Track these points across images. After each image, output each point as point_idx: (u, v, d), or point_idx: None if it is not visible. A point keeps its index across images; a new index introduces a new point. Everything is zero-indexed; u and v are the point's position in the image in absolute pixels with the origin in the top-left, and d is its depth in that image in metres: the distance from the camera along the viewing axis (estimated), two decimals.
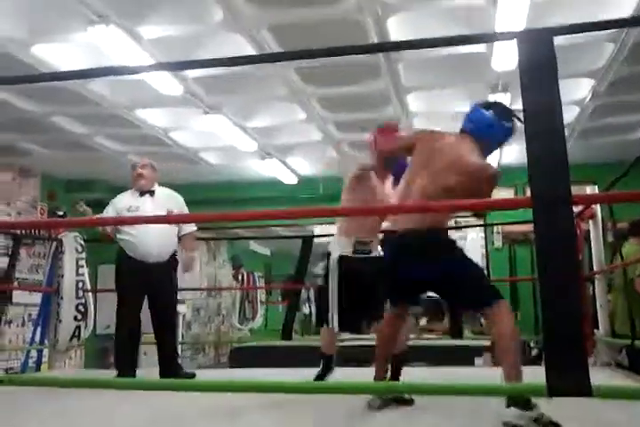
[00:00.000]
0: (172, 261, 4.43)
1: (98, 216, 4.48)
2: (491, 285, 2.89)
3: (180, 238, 4.50)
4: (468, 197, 2.71)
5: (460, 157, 2.92)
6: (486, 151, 3.11)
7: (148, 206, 4.33)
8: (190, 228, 4.54)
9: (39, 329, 5.70)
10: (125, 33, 4.55)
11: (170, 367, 4.32)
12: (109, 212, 4.40)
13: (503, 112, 3.03)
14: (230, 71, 5.16)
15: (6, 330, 7.13)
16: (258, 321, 11.64)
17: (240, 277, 11.76)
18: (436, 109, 6.53)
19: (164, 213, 4.23)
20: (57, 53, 4.95)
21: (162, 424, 2.92)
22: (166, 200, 4.42)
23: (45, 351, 6.18)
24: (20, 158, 7.69)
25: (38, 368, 6.36)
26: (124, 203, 4.40)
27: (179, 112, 6.47)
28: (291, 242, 7.66)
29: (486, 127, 3.04)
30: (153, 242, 4.27)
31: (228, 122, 6.58)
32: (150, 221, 4.10)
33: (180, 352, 9.09)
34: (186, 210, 4.52)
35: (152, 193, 4.43)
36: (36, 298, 6.13)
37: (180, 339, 9.30)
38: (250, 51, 4.80)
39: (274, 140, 7.40)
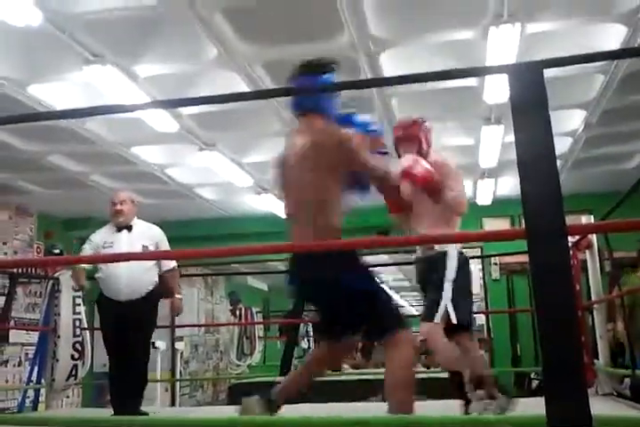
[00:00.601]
0: (150, 297, 4.27)
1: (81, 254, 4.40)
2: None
3: (160, 277, 4.35)
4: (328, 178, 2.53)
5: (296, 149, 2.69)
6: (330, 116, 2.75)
7: (123, 242, 4.23)
8: (169, 264, 4.38)
9: (36, 368, 5.63)
10: (121, 71, 4.60)
11: (124, 405, 4.15)
12: (86, 249, 4.32)
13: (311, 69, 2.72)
14: (225, 107, 5.22)
15: (3, 369, 7.06)
16: (256, 357, 11.53)
17: (238, 313, 11.68)
18: (432, 143, 6.56)
19: (139, 248, 4.15)
20: (53, 93, 5.01)
21: None
22: (142, 235, 4.31)
23: (43, 391, 6.11)
24: (16, 197, 7.71)
25: (35, 408, 6.27)
26: (99, 239, 4.31)
27: (174, 149, 6.52)
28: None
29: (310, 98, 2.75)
30: (122, 279, 4.16)
31: (223, 158, 6.61)
32: (133, 258, 3.99)
33: (178, 389, 9.03)
34: (165, 244, 4.38)
35: (130, 228, 4.33)
36: (33, 337, 6.08)
37: (177, 376, 9.23)
38: (244, 87, 4.86)
39: (269, 175, 7.41)
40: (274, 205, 8.53)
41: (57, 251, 7.63)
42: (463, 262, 3.25)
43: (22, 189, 7.42)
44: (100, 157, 6.52)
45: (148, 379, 4.50)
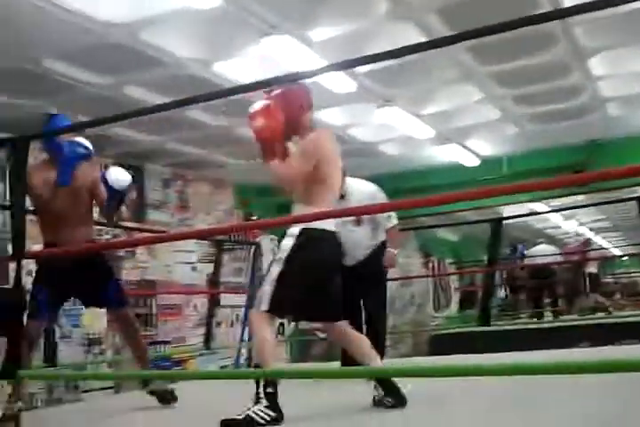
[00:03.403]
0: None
1: None
2: None
3: None
4: None
5: None
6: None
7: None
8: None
9: (246, 328, 6.05)
10: (296, 39, 4.71)
11: None
12: None
13: None
14: (401, 61, 5.15)
15: (217, 331, 7.67)
16: (453, 308, 11.57)
17: (430, 266, 11.74)
18: (623, 70, 6.09)
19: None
20: (235, 68, 5.25)
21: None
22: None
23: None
24: (213, 171, 8.25)
25: (249, 365, 6.78)
26: None
27: (354, 108, 6.59)
28: (479, 227, 7.51)
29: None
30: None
31: (402, 112, 6.59)
32: None
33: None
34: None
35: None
36: (242, 299, 6.52)
37: None
38: (419, 38, 4.77)
39: (451, 125, 7.29)
40: (459, 155, 8.39)
41: (254, 217, 8.13)
42: (307, 241, 2.80)
43: (218, 162, 7.92)
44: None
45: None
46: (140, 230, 6.77)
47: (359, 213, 3.93)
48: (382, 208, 3.71)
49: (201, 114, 6.22)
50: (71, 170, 3.40)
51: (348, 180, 4.13)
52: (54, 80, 5.16)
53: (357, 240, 4.16)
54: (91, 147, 3.50)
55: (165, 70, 5.17)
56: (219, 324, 7.77)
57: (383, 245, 4.24)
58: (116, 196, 3.46)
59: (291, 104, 2.98)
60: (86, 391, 6.06)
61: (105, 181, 3.42)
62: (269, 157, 2.78)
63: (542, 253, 10.27)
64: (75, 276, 3.42)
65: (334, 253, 2.97)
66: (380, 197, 4.21)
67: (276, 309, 2.76)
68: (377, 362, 2.94)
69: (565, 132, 7.90)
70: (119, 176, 3.46)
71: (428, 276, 11.68)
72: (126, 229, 6.83)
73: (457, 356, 5.00)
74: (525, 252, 11.31)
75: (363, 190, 4.22)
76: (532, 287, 11.14)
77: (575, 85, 6.29)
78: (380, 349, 4.07)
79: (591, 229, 16.42)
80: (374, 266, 4.22)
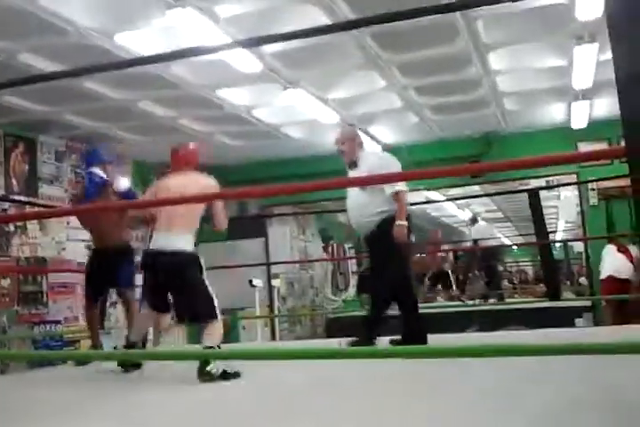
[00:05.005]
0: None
1: None
2: None
3: None
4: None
5: None
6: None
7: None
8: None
9: None
10: (202, 13, 4.61)
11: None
12: None
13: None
14: (307, 44, 5.16)
15: (111, 311, 7.48)
16: (350, 291, 11.77)
17: (330, 250, 11.89)
18: (521, 66, 6.33)
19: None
20: (138, 40, 5.09)
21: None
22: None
23: (150, 330, 6.46)
24: (113, 146, 7.98)
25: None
26: None
27: (259, 89, 6.54)
28: None
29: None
30: None
31: (308, 95, 6.60)
32: None
33: (277, 325, 9.37)
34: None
35: (355, 164, 4.59)
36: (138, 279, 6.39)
37: (276, 312, 9.57)
38: (325, 20, 4.77)
39: (355, 110, 7.37)
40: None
41: None
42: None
43: (117, 137, 7.67)
44: (187, 101, 6.63)
45: None
46: (31, 204, 6.51)
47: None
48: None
49: (100, 86, 6.00)
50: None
51: (364, 150, 4.65)
52: None
53: (367, 209, 4.40)
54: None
55: (65, 39, 4.94)
56: (113, 304, 7.59)
57: (392, 220, 4.29)
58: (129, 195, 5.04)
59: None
60: None
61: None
62: None
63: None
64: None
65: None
66: (387, 164, 4.42)
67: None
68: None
69: (464, 123, 8.16)
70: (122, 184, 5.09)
71: (327, 259, 11.82)
72: (15, 202, 6.55)
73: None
74: None
75: (372, 159, 4.54)
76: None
77: (475, 79, 6.49)
78: (412, 325, 4.25)
79: (484, 219, 17.09)
80: (383, 240, 4.30)
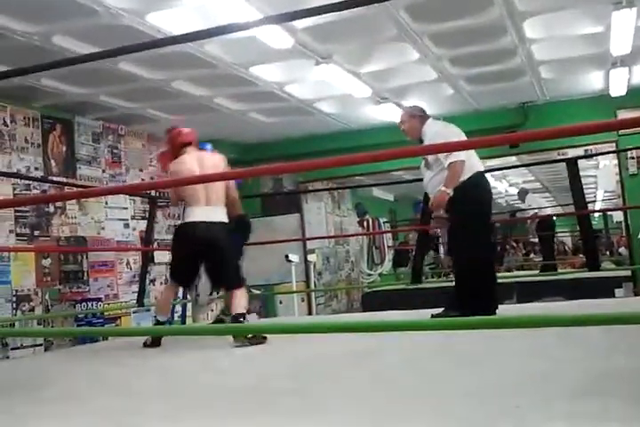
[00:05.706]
0: None
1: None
2: None
3: None
4: None
5: None
6: None
7: None
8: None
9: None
10: None
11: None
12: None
13: None
14: (338, 18, 5.11)
15: (151, 288, 7.63)
16: (386, 266, 11.78)
17: (365, 224, 11.89)
18: (557, 33, 6.19)
19: None
20: (170, 19, 5.09)
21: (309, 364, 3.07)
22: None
23: (189, 306, 6.59)
24: (147, 126, 8.06)
25: (184, 321, 6.79)
26: None
27: (291, 65, 6.50)
28: (413, 186, 7.61)
29: None
30: None
31: (340, 70, 6.55)
32: None
33: (314, 299, 9.45)
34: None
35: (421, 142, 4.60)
36: None
37: (312, 286, 9.64)
38: None
39: (388, 84, 7.30)
40: (394, 115, 8.42)
41: None
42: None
43: (152, 117, 7.74)
44: (220, 79, 6.64)
45: None
46: (69, 185, 6.62)
47: None
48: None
49: (134, 67, 6.04)
50: None
51: (428, 124, 4.64)
52: None
53: (431, 184, 4.50)
54: None
55: (97, 20, 4.98)
56: (152, 281, 7.73)
57: (462, 188, 4.29)
58: None
59: None
60: (16, 349, 5.98)
61: None
62: None
63: None
64: None
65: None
66: (444, 134, 4.34)
67: None
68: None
69: (500, 94, 8.02)
70: None
71: (363, 234, 11.83)
72: (54, 183, 6.67)
73: (389, 312, 5.14)
74: None
75: (429, 133, 4.55)
76: None
77: (510, 48, 6.37)
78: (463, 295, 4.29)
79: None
80: (456, 207, 4.34)
